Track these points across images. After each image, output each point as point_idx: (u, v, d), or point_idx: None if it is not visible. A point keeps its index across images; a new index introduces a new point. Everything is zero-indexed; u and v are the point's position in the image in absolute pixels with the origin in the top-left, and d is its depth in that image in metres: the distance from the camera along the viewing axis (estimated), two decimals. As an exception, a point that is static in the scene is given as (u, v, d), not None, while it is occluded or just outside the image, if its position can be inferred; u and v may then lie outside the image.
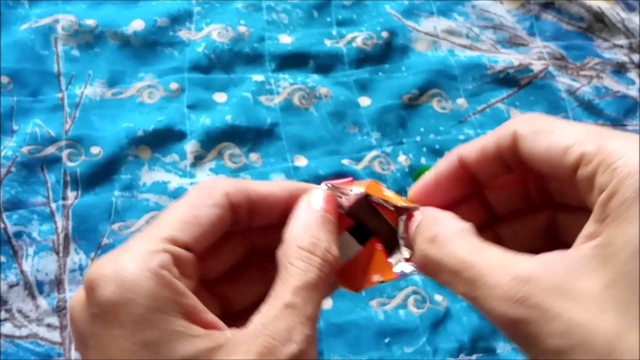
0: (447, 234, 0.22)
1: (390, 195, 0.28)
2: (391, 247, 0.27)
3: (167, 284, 0.21)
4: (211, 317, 0.22)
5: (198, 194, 0.24)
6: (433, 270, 0.22)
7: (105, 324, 0.20)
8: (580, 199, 0.22)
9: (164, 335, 0.20)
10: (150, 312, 0.20)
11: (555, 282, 0.18)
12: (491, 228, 0.28)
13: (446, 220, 0.23)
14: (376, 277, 0.27)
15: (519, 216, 0.27)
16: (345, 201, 0.27)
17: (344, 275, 0.27)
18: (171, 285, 0.21)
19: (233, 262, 0.27)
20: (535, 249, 0.21)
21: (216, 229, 0.24)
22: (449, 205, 0.26)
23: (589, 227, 0.20)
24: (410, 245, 0.26)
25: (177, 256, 0.22)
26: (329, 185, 0.27)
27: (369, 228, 0.28)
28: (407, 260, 0.26)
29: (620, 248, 0.18)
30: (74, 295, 0.23)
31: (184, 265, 0.22)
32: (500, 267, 0.20)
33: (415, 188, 0.27)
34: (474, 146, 0.25)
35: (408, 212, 0.26)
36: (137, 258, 0.21)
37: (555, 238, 0.27)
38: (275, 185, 0.26)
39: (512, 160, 0.24)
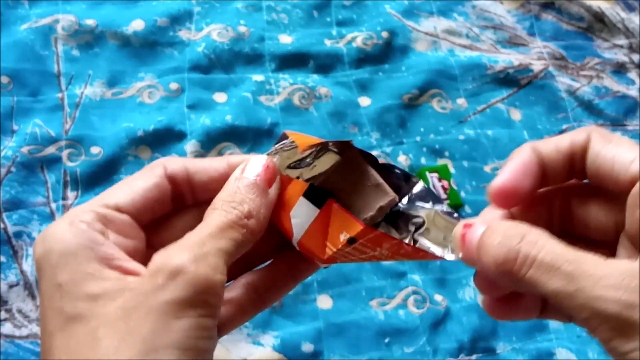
0: (537, 233, 0.23)
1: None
2: (362, 197, 0.26)
3: (81, 232, 0.23)
4: (133, 265, 0.24)
5: (141, 171, 0.27)
6: (520, 265, 0.22)
7: (38, 277, 0.24)
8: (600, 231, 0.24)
9: (74, 276, 0.22)
10: (63, 257, 0.23)
11: None
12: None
13: (522, 225, 0.23)
14: (343, 236, 0.26)
15: (535, 204, 0.28)
16: (295, 153, 0.27)
17: (309, 243, 0.26)
18: (86, 234, 0.23)
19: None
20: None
21: (152, 195, 0.26)
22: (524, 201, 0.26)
23: None
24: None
25: (103, 214, 0.24)
26: (271, 150, 0.28)
27: (329, 184, 0.26)
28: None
29: None
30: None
31: (116, 224, 0.25)
32: (604, 263, 0.21)
33: (497, 190, 0.26)
34: (549, 142, 0.26)
35: (463, 223, 0.25)
36: (63, 219, 0.24)
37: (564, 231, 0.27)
38: (215, 159, 0.28)
39: (578, 164, 0.25)
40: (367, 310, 0.53)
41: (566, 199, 0.27)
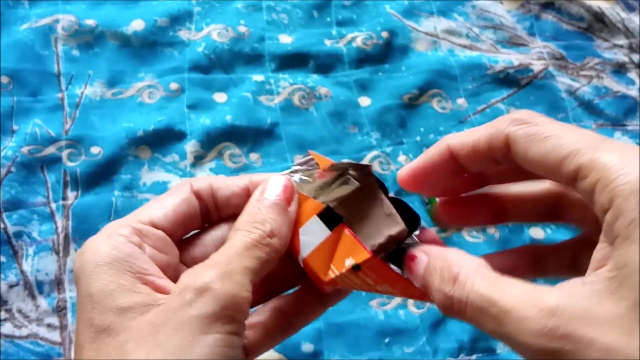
0: (467, 272, 0.22)
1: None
2: (372, 224, 0.26)
3: (118, 245, 0.24)
4: (164, 282, 0.24)
5: (169, 190, 0.28)
6: (458, 310, 0.22)
7: (77, 285, 0.24)
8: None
9: (106, 287, 0.23)
10: (97, 267, 0.23)
11: (580, 310, 0.19)
12: (495, 203, 0.28)
13: (460, 258, 0.23)
14: (349, 261, 0.26)
15: (524, 197, 0.27)
16: (317, 175, 0.28)
17: (313, 263, 0.26)
18: (123, 246, 0.24)
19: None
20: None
21: (182, 209, 0.27)
22: (440, 191, 0.27)
23: (600, 250, 0.20)
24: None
25: (140, 229, 0.25)
26: (291, 169, 0.28)
27: (342, 208, 0.27)
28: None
29: (635, 269, 0.18)
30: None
31: (152, 239, 0.25)
32: (525, 301, 0.20)
33: (405, 174, 0.27)
34: (465, 141, 0.24)
35: (406, 252, 0.26)
36: (101, 232, 0.25)
37: (560, 217, 0.27)
38: (238, 178, 0.29)
39: (504, 160, 0.24)
40: (367, 310, 0.53)
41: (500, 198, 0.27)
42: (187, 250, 0.28)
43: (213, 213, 0.28)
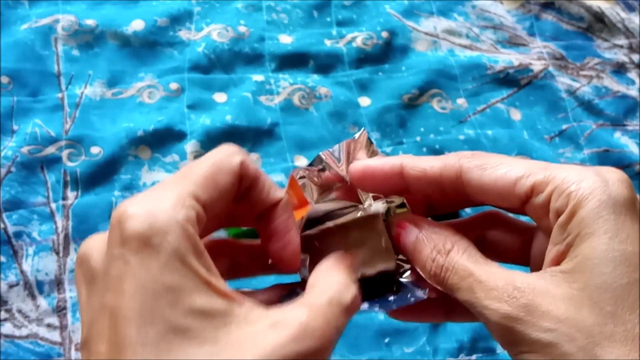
0: (458, 248, 0.25)
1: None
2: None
3: (189, 237, 0.21)
4: (222, 283, 0.21)
5: (221, 157, 0.24)
6: (442, 277, 0.25)
7: (133, 254, 0.20)
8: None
9: (187, 283, 0.20)
10: (175, 259, 0.20)
11: (541, 289, 0.22)
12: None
13: (454, 236, 0.26)
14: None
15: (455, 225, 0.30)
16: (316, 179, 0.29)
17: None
18: (193, 240, 0.21)
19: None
20: None
21: (229, 196, 0.24)
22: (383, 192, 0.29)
23: (553, 250, 0.23)
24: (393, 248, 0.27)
25: (199, 215, 0.22)
26: (301, 169, 0.29)
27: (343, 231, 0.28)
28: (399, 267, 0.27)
29: (588, 257, 0.21)
30: (88, 239, 0.23)
31: (201, 224, 0.22)
32: (497, 276, 0.23)
33: (356, 170, 0.27)
34: (419, 164, 0.26)
35: (396, 221, 0.27)
36: (167, 206, 0.21)
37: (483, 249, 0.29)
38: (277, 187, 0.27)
39: (450, 189, 0.26)
40: (367, 310, 0.53)
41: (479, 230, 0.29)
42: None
43: (239, 199, 0.25)
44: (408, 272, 0.28)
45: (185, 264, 0.20)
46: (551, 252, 0.23)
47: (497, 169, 0.24)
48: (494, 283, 0.23)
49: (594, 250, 0.21)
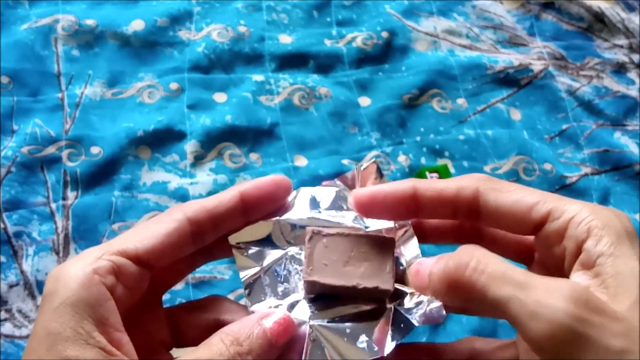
0: (483, 252, 0.24)
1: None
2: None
3: (90, 286, 0.23)
4: (120, 336, 0.23)
5: (160, 214, 0.27)
6: (470, 274, 0.23)
7: (41, 305, 0.23)
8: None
9: (65, 332, 0.22)
10: (64, 306, 0.22)
11: (600, 301, 0.21)
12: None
13: (471, 246, 0.25)
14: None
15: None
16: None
17: None
18: (94, 288, 0.23)
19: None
20: None
21: (173, 242, 0.26)
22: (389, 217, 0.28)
23: (579, 274, 0.23)
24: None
25: (119, 265, 0.24)
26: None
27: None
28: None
29: (627, 276, 0.22)
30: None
31: (127, 276, 0.25)
32: (553, 280, 0.22)
33: (363, 196, 0.27)
34: (432, 186, 0.27)
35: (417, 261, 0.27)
36: (80, 262, 0.24)
37: None
38: (225, 192, 0.28)
39: (464, 211, 0.26)
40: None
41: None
42: (166, 275, 0.28)
43: (209, 234, 0.28)
44: (407, 298, 0.28)
45: (74, 312, 0.22)
46: (579, 278, 0.23)
47: (513, 193, 0.25)
48: (553, 284, 0.21)
49: (630, 269, 0.22)
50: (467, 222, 0.29)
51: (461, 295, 0.24)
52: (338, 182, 0.31)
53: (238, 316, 0.28)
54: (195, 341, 0.26)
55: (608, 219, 0.23)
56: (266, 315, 0.26)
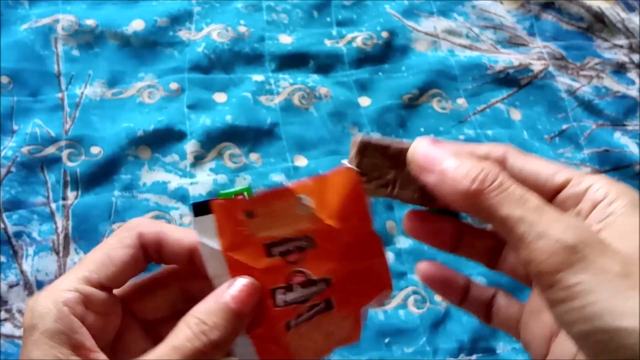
0: (508, 180, 0.25)
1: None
2: None
3: (63, 317, 0.25)
4: (95, 356, 0.26)
5: (117, 235, 0.28)
6: (491, 190, 0.24)
7: (23, 337, 0.26)
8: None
9: (46, 358, 0.25)
10: (41, 337, 0.25)
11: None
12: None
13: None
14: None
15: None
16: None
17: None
18: (66, 320, 0.25)
19: (170, 306, 0.30)
20: None
21: (130, 267, 0.28)
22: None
23: (599, 222, 0.24)
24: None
25: (87, 294, 0.26)
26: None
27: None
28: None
29: (631, 231, 0.23)
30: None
31: (95, 302, 0.27)
32: (566, 215, 0.24)
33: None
34: (462, 149, 0.27)
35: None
36: (51, 295, 0.26)
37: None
38: (186, 233, 0.29)
39: None
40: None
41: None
42: (139, 303, 0.30)
43: (156, 259, 0.29)
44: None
45: (53, 343, 0.25)
46: (600, 222, 0.25)
47: (536, 161, 0.27)
48: (557, 212, 0.23)
49: (631, 227, 0.24)
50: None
51: (472, 205, 0.24)
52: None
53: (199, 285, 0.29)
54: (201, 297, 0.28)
55: (625, 189, 0.25)
56: (228, 286, 0.26)
